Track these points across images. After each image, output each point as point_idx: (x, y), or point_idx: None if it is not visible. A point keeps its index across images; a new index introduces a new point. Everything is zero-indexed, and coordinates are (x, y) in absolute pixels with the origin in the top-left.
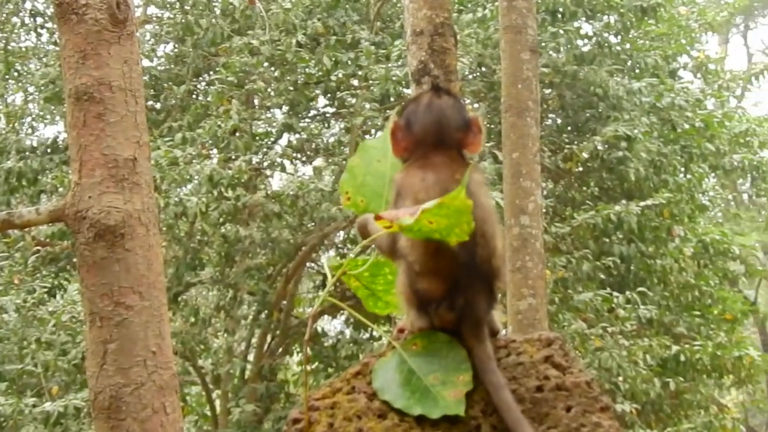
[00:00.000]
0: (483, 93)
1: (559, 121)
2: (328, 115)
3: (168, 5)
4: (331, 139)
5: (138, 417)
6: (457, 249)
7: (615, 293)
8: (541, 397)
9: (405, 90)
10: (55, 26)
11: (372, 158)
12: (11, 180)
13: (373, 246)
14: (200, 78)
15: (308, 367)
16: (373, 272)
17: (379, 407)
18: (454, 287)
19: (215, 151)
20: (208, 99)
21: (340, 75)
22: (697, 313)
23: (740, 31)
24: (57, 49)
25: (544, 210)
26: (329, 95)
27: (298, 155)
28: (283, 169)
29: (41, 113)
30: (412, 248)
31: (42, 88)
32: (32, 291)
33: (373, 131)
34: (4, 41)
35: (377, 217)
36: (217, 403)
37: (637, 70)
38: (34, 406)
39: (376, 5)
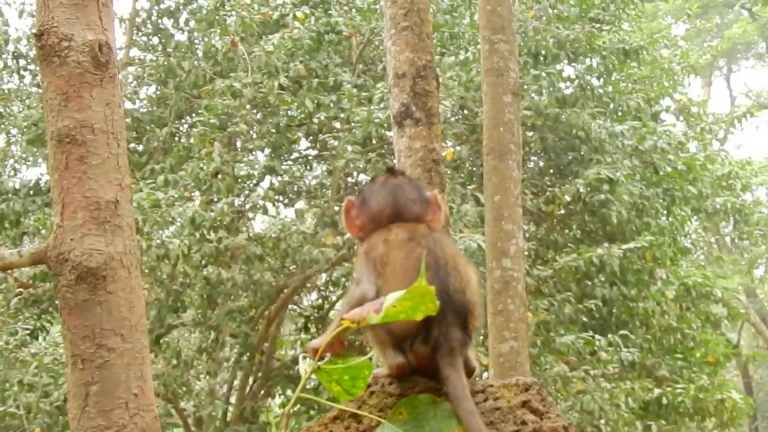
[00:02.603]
0: (465, 136)
1: (541, 163)
2: (310, 157)
3: (150, 47)
4: (314, 182)
5: None
6: (430, 281)
7: (597, 336)
8: None
9: (387, 133)
10: (37, 68)
11: None
12: None
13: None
14: (182, 120)
15: (290, 410)
16: (353, 375)
17: None
18: (428, 320)
19: (197, 193)
20: (191, 141)
21: (323, 117)
22: (680, 356)
23: (723, 74)
24: (40, 91)
25: (526, 253)
26: (311, 138)
27: (281, 198)
28: (266, 212)
29: (24, 155)
30: (384, 287)
31: (24, 130)
32: (14, 333)
33: (355, 174)
34: None
35: (342, 319)
36: None
37: (620, 113)
38: None
39: (358, 48)
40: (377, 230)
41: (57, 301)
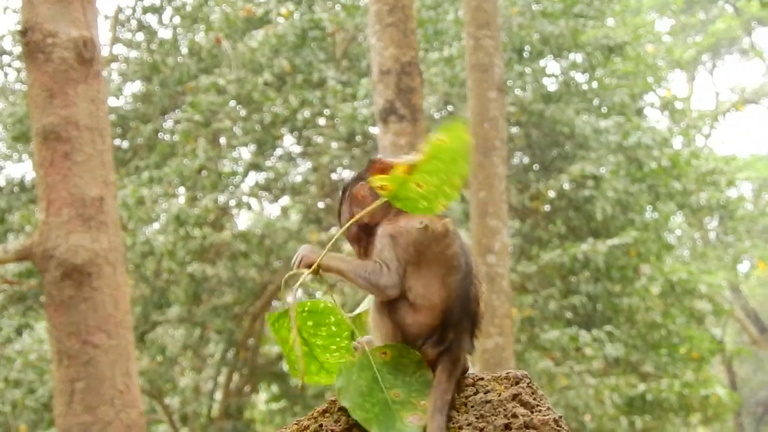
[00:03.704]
0: None
1: (525, 159)
2: (294, 154)
3: (134, 44)
4: (298, 178)
5: None
6: (457, 283)
7: (582, 331)
8: None
9: (372, 129)
10: (22, 65)
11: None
12: None
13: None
14: (167, 117)
15: (276, 405)
16: (318, 321)
17: None
18: (447, 323)
19: (182, 189)
20: (175, 138)
21: (307, 114)
22: (664, 351)
23: (707, 69)
24: (24, 87)
25: (510, 249)
26: (296, 134)
27: (265, 194)
28: (250, 208)
29: (9, 152)
30: (415, 279)
31: (9, 126)
32: None
33: (339, 170)
34: None
35: (375, 172)
36: None
37: (604, 109)
38: None
39: (342, 44)
40: (400, 213)
41: (42, 298)
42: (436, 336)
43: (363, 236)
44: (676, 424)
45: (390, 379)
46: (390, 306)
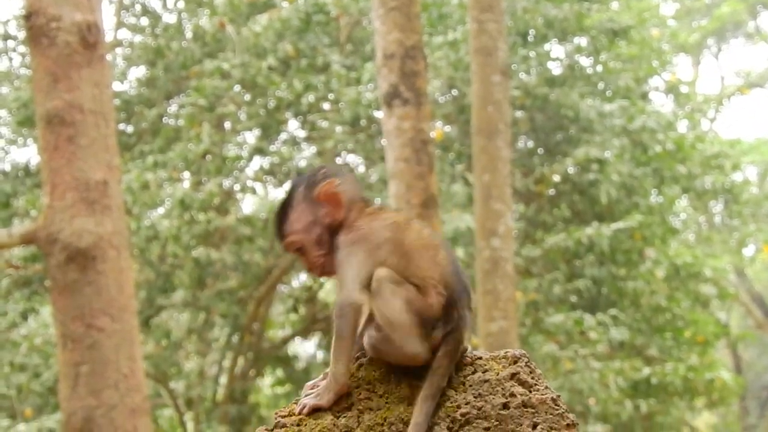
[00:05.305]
0: (453, 116)
1: (530, 143)
2: (299, 138)
3: (139, 29)
4: (303, 163)
5: None
6: (447, 258)
7: (586, 315)
8: (507, 414)
9: (376, 113)
10: (27, 50)
11: None
12: None
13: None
14: (171, 101)
15: (281, 389)
16: None
17: (345, 424)
18: (451, 299)
19: (186, 174)
20: (180, 122)
21: (311, 98)
22: (669, 335)
23: (712, 53)
24: (29, 72)
25: (515, 233)
26: (300, 118)
27: (270, 179)
28: (255, 193)
29: (14, 136)
30: (413, 267)
31: (14, 111)
32: (5, 314)
33: (344, 154)
34: None
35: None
36: (189, 425)
37: (609, 93)
38: (8, 428)
39: (346, 28)
40: (359, 216)
41: (47, 282)
42: (442, 318)
43: (326, 239)
44: (681, 407)
45: None
46: (405, 300)
